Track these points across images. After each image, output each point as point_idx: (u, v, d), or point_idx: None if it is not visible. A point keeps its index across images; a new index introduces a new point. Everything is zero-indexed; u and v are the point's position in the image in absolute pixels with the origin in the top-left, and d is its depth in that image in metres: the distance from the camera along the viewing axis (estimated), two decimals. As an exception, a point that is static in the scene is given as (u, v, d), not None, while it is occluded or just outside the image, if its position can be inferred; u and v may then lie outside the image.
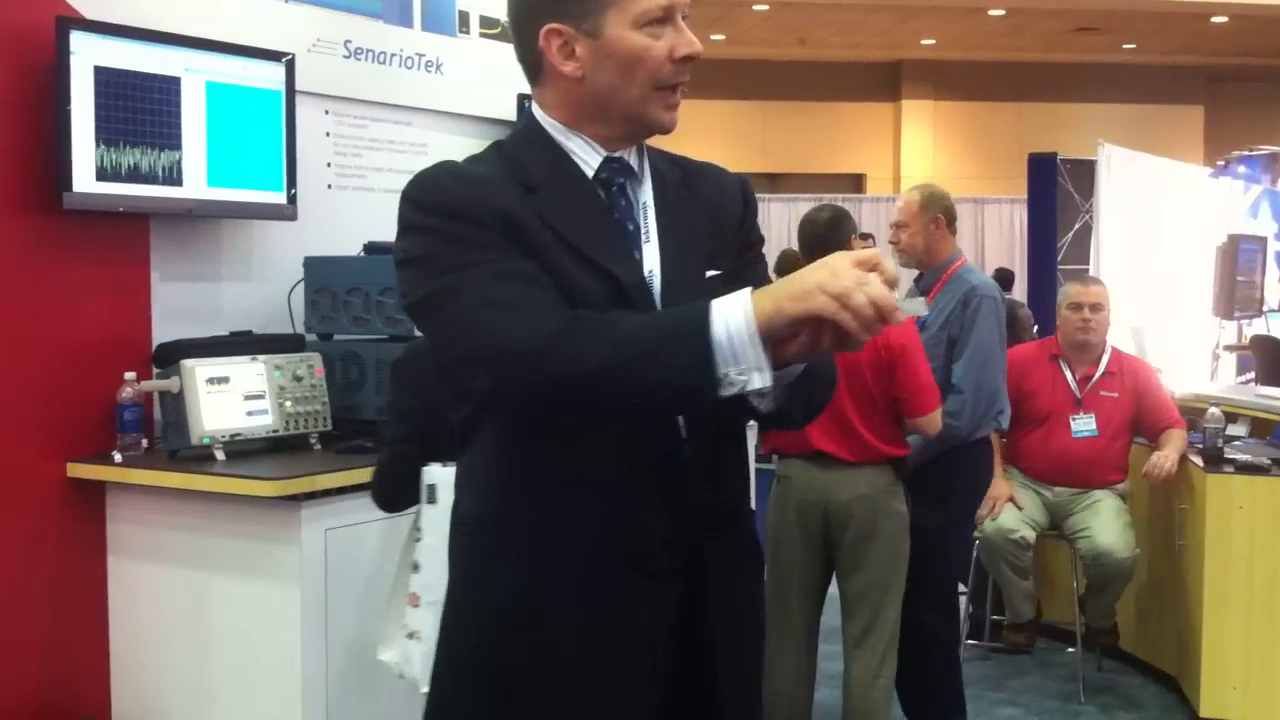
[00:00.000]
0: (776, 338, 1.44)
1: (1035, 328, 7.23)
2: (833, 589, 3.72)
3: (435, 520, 2.52)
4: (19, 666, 3.20)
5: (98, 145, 3.21)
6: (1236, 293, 8.02)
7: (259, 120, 3.58)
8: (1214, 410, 4.64)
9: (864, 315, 1.39)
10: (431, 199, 1.60)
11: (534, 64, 1.67)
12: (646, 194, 1.71)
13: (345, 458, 3.26)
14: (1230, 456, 4.51)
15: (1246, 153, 9.95)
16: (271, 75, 3.61)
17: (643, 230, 1.68)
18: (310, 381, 3.43)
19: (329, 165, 3.96)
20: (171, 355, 3.30)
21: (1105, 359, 4.81)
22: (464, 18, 4.33)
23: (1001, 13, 14.72)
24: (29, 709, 3.22)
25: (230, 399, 3.26)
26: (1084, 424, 4.71)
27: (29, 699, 3.22)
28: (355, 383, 3.55)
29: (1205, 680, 4.34)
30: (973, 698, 4.29)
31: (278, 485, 2.99)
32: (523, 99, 4.24)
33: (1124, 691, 4.75)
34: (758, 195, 1.92)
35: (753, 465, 3.73)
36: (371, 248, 3.70)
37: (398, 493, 2.70)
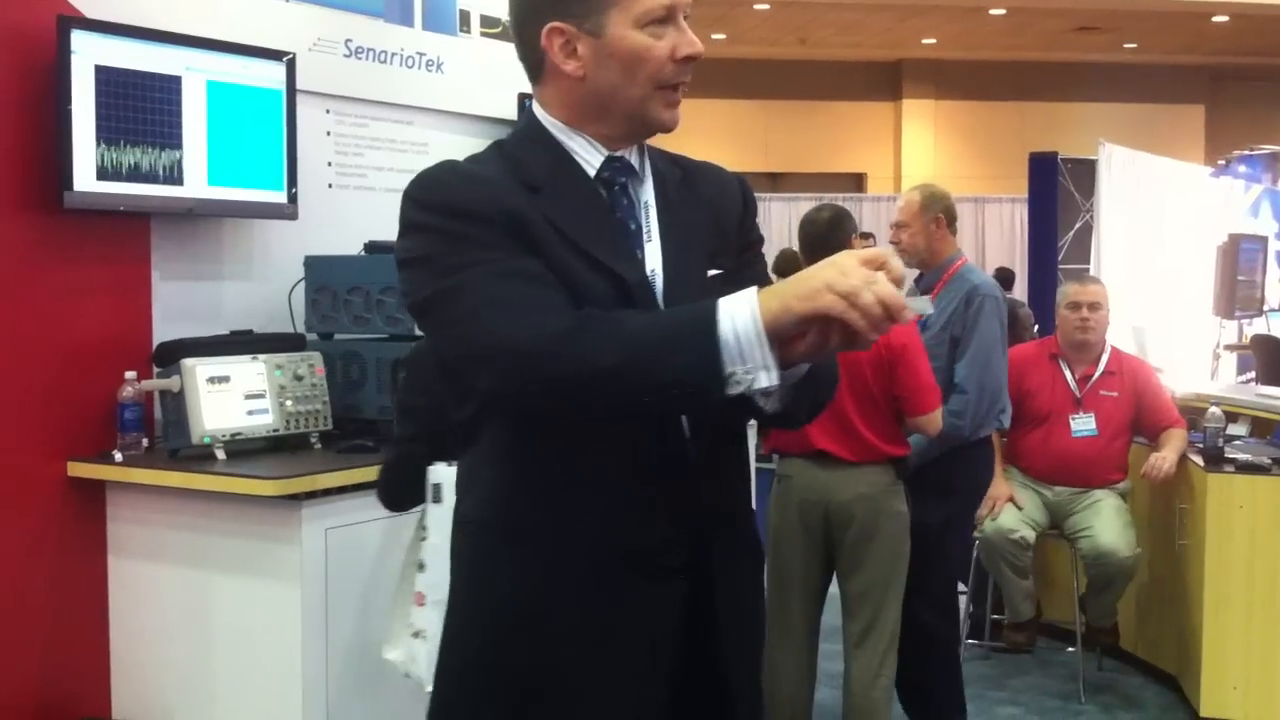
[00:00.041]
0: (783, 337, 1.44)
1: (1036, 327, 7.23)
2: (833, 589, 3.72)
3: (441, 519, 2.52)
4: (19, 665, 3.20)
5: (98, 144, 3.21)
6: (1237, 292, 8.02)
7: (260, 119, 3.58)
8: (1214, 410, 4.64)
9: (872, 314, 1.39)
10: (435, 198, 1.60)
11: (535, 63, 1.67)
12: (648, 193, 1.71)
13: (346, 457, 3.26)
14: (1231, 456, 4.51)
15: (1247, 152, 9.94)
16: (272, 74, 3.61)
17: (644, 229, 1.68)
18: (311, 381, 3.43)
19: (330, 164, 3.96)
20: (172, 354, 3.30)
21: (1105, 358, 4.81)
22: (465, 17, 4.32)
23: (1002, 12, 14.72)
24: (29, 708, 3.22)
25: (231, 398, 3.26)
26: (1084, 423, 4.71)
27: (29, 698, 3.22)
28: (356, 382, 3.55)
29: (1205, 680, 4.34)
30: (973, 697, 4.29)
31: (278, 485, 2.99)
32: (523, 98, 4.24)
33: (1124, 691, 4.75)
34: (759, 195, 1.93)
35: (753, 465, 3.73)
36: (372, 247, 3.70)
37: (403, 492, 2.70)
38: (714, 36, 15.20)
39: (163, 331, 3.44)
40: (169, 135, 3.36)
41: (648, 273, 1.65)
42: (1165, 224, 7.76)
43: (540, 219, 1.59)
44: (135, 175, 3.30)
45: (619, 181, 1.69)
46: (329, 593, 3.06)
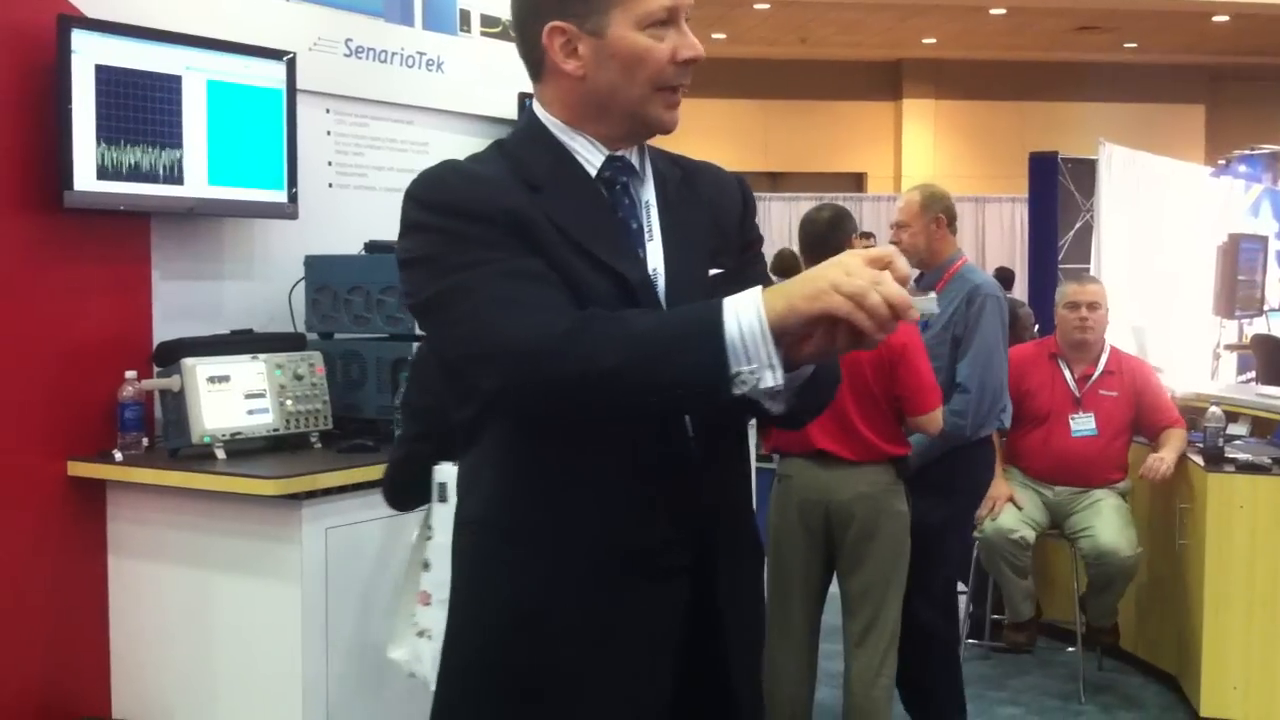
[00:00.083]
0: (791, 337, 1.44)
1: (1036, 327, 7.23)
2: (833, 588, 3.72)
3: (446, 519, 2.52)
4: (19, 665, 3.20)
5: (99, 144, 3.21)
6: (1237, 292, 8.02)
7: (260, 119, 3.58)
8: (1215, 409, 4.64)
9: (879, 315, 1.39)
10: (437, 197, 1.60)
11: (536, 61, 1.68)
12: (649, 193, 1.71)
13: (346, 457, 3.26)
14: (1231, 456, 4.51)
15: (1247, 152, 9.93)
16: (272, 74, 3.61)
17: (646, 229, 1.69)
18: (311, 380, 3.43)
19: (330, 164, 3.96)
20: (172, 354, 3.30)
21: (1104, 358, 4.81)
22: (465, 16, 4.32)
23: (1002, 12, 14.72)
24: (29, 707, 3.22)
25: (231, 398, 3.26)
26: (1083, 423, 4.71)
27: (29, 697, 3.22)
28: (356, 381, 3.55)
29: (1206, 680, 4.34)
30: (973, 697, 4.29)
31: (278, 484, 2.99)
32: (524, 97, 4.24)
33: (1124, 691, 4.75)
34: (759, 194, 1.93)
35: (753, 464, 3.72)
36: (372, 246, 3.70)
37: (409, 491, 2.70)
38: (714, 36, 15.20)
39: (163, 331, 3.44)
40: (169, 135, 3.36)
41: (650, 272, 1.65)
42: (1165, 224, 7.76)
43: (542, 218, 1.59)
44: (135, 175, 3.29)
45: (620, 181, 1.69)
46: (329, 592, 3.06)
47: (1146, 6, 14.43)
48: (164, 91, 3.34)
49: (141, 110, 3.30)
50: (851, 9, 14.72)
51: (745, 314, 1.42)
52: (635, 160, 1.71)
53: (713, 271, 1.68)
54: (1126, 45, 16.66)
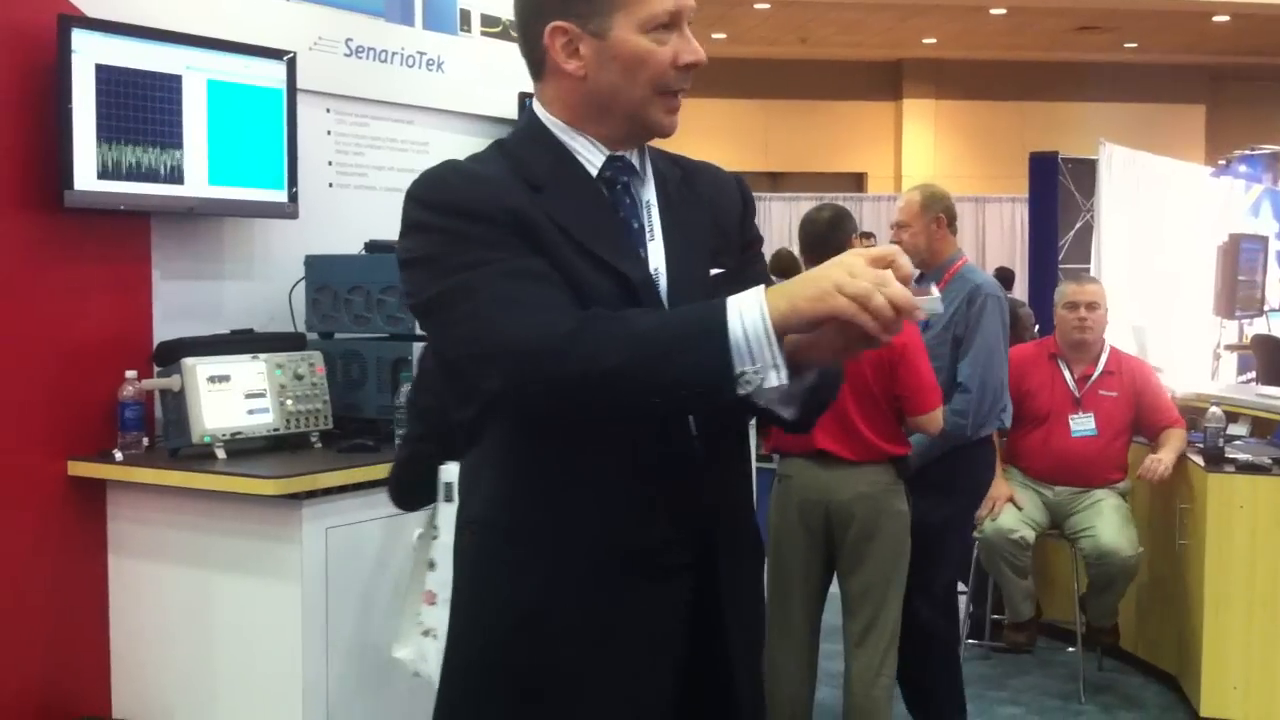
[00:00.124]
0: (796, 340, 1.44)
1: (1036, 327, 7.24)
2: (833, 588, 3.72)
3: (451, 518, 2.52)
4: (20, 665, 3.20)
5: (99, 143, 3.21)
6: (1238, 292, 8.02)
7: (260, 118, 3.58)
8: (1215, 410, 4.64)
9: (884, 316, 1.39)
10: (439, 197, 1.60)
11: (537, 60, 1.68)
12: (649, 193, 1.71)
13: (346, 456, 3.26)
14: (1231, 456, 4.51)
15: (1248, 152, 9.94)
16: (273, 73, 3.61)
17: (647, 229, 1.69)
18: (311, 380, 3.43)
19: (330, 163, 3.96)
20: (173, 353, 3.30)
21: (1104, 358, 4.81)
22: (465, 16, 4.32)
23: (1003, 11, 14.72)
24: (30, 707, 3.22)
25: (231, 397, 3.26)
26: (1083, 423, 4.72)
27: (30, 697, 3.22)
28: (356, 381, 3.55)
29: (1206, 680, 4.34)
30: (973, 697, 4.29)
31: (278, 484, 2.99)
32: (524, 97, 4.24)
33: (1124, 691, 4.75)
34: (759, 194, 1.94)
35: (754, 464, 3.73)
36: (373, 246, 3.70)
37: (414, 491, 2.70)
38: (714, 36, 15.20)
39: (163, 330, 3.44)
40: (169, 134, 3.36)
41: (651, 272, 1.65)
42: (1165, 224, 7.76)
43: (544, 218, 1.59)
44: (136, 174, 3.29)
45: (621, 181, 1.69)
46: (329, 592, 3.06)
47: (1146, 6, 14.43)
48: (164, 91, 3.34)
49: (142, 110, 3.30)
50: (851, 9, 14.72)
51: (749, 313, 1.42)
52: (635, 160, 1.71)
53: (714, 272, 1.69)
54: (1127, 45, 16.65)
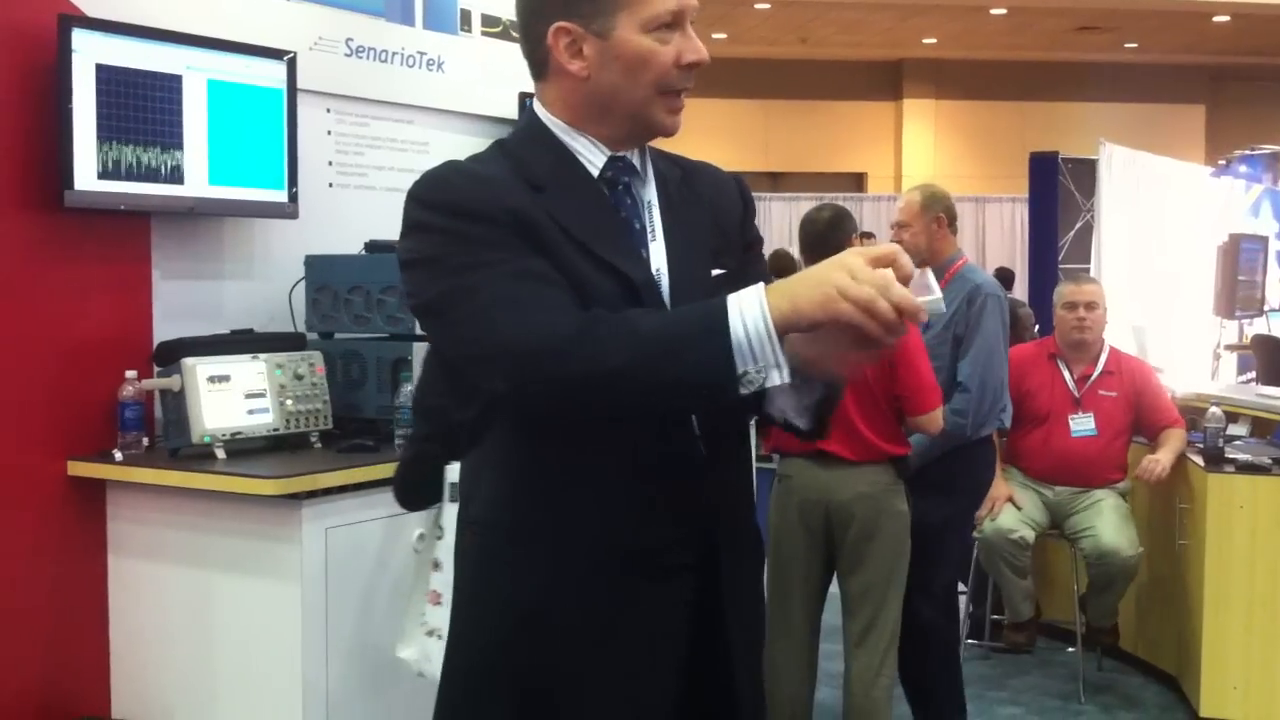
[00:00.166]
0: (798, 356, 1.44)
1: (1036, 327, 7.25)
2: (833, 588, 3.72)
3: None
4: (19, 665, 3.20)
5: (99, 143, 3.21)
6: (1238, 292, 8.02)
7: (260, 118, 3.58)
8: (1215, 410, 4.64)
9: (889, 321, 1.39)
10: (441, 197, 1.60)
11: (540, 61, 1.67)
12: (650, 193, 1.71)
13: (346, 456, 3.26)
14: (1231, 456, 4.51)
15: (1248, 152, 9.94)
16: (273, 73, 3.61)
17: (648, 229, 1.69)
18: (311, 380, 3.43)
19: (330, 163, 3.95)
20: (172, 353, 3.30)
21: (1103, 358, 4.82)
22: (465, 16, 4.32)
23: (1003, 11, 14.72)
24: (29, 707, 3.22)
25: (231, 397, 3.26)
26: (1083, 423, 4.72)
27: (29, 697, 3.22)
28: (356, 381, 3.55)
29: (1205, 680, 4.34)
30: (973, 697, 4.29)
31: (278, 484, 2.99)
32: (524, 97, 4.24)
33: (1124, 691, 4.75)
34: (759, 194, 1.94)
35: (753, 464, 3.73)
36: (373, 246, 3.70)
37: (419, 491, 2.70)
38: (714, 36, 15.19)
39: (163, 330, 3.44)
40: (170, 134, 3.36)
41: (653, 272, 1.65)
42: (1165, 224, 7.76)
43: (545, 218, 1.59)
44: (136, 174, 3.29)
45: (622, 181, 1.69)
46: (329, 592, 3.06)
47: (1146, 6, 14.43)
48: (164, 91, 3.34)
49: (142, 110, 3.30)
50: (852, 9, 14.72)
51: (749, 311, 1.42)
52: (636, 160, 1.71)
53: (715, 273, 1.68)
54: (1127, 45, 16.65)
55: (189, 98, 3.39)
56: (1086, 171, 7.29)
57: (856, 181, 17.39)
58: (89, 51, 3.18)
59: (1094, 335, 4.79)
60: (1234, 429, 4.91)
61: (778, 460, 3.78)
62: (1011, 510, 4.64)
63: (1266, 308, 8.71)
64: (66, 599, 3.28)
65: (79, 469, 3.27)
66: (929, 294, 1.41)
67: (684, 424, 1.64)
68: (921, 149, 17.60)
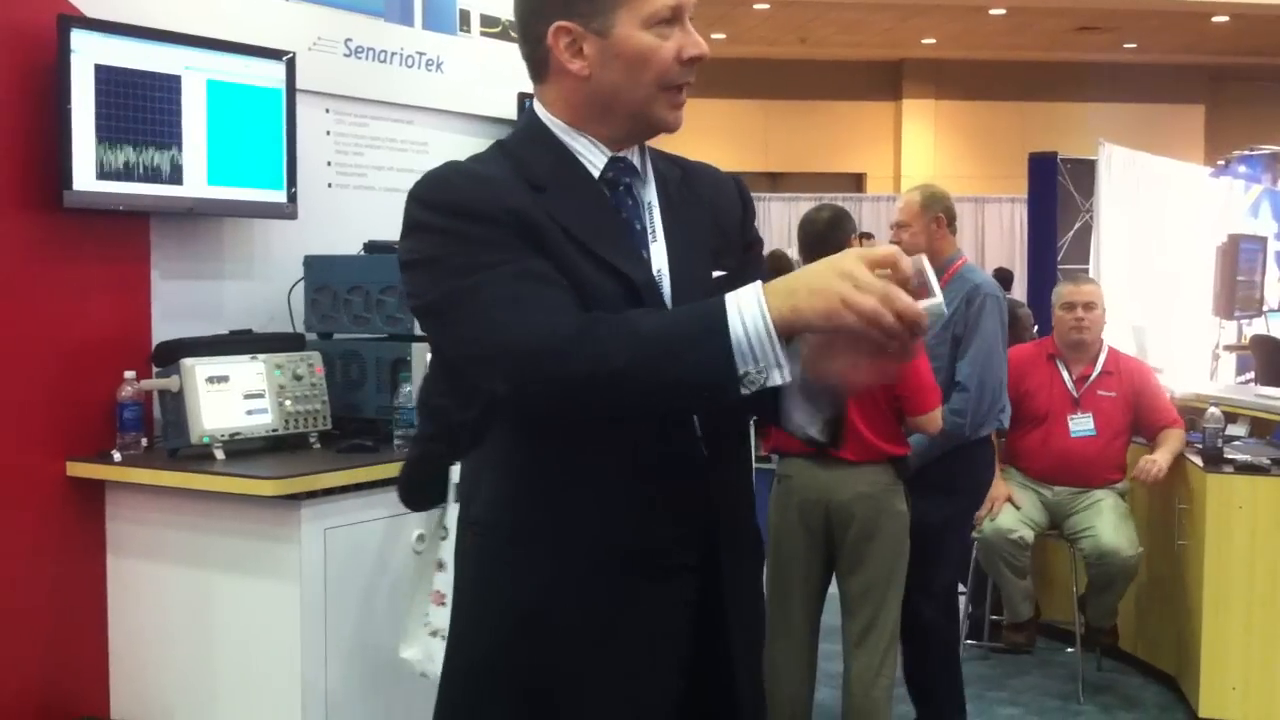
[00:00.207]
0: (806, 377, 1.46)
1: (1035, 327, 7.25)
2: (832, 588, 3.72)
3: None
4: (18, 665, 3.20)
5: (98, 144, 3.21)
6: (1237, 292, 8.03)
7: (259, 119, 3.58)
8: (1214, 410, 4.64)
9: (895, 333, 1.39)
10: (442, 198, 1.59)
11: (540, 61, 1.67)
12: (650, 194, 1.71)
13: (345, 457, 3.26)
14: (1230, 456, 4.51)
15: (1247, 152, 9.95)
16: (272, 73, 3.61)
17: (649, 230, 1.68)
18: (310, 380, 3.43)
19: (329, 164, 3.95)
20: (171, 354, 3.30)
21: (1102, 358, 4.82)
22: (465, 16, 4.32)
23: (1003, 12, 14.72)
24: (29, 707, 3.22)
25: (230, 398, 3.26)
26: (1082, 424, 4.72)
27: (28, 697, 3.22)
28: (355, 381, 3.55)
29: (1205, 680, 4.34)
30: (973, 697, 4.29)
31: (277, 484, 2.99)
32: (523, 98, 4.24)
33: (1123, 691, 4.75)
34: (758, 195, 1.94)
35: (753, 464, 3.73)
36: (372, 246, 3.70)
37: (424, 491, 2.69)
38: (714, 36, 15.18)
39: (162, 331, 3.44)
40: (169, 134, 3.36)
41: (655, 273, 1.65)
42: (1165, 224, 7.77)
43: (546, 219, 1.58)
44: (135, 174, 3.29)
45: (623, 182, 1.69)
46: (328, 593, 3.06)
47: (1146, 6, 14.43)
48: (163, 91, 3.34)
49: (141, 110, 3.30)
50: (851, 9, 14.71)
51: (748, 311, 1.42)
52: (636, 160, 1.71)
53: (715, 274, 1.68)
54: (1126, 45, 16.65)
55: (188, 98, 3.39)
56: (1086, 172, 7.29)
57: (856, 182, 17.39)
58: (88, 52, 3.18)
59: (1093, 335, 4.80)
60: (1233, 429, 4.91)
61: (777, 460, 3.78)
62: (1011, 510, 4.64)
63: (1265, 308, 8.72)
64: (66, 599, 3.28)
65: (78, 469, 3.27)
66: (931, 297, 1.41)
67: (685, 424, 1.63)
68: (921, 149, 17.60)
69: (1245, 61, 17.19)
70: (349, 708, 3.11)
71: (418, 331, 3.38)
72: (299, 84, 3.67)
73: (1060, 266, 7.22)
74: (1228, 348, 8.41)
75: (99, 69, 3.20)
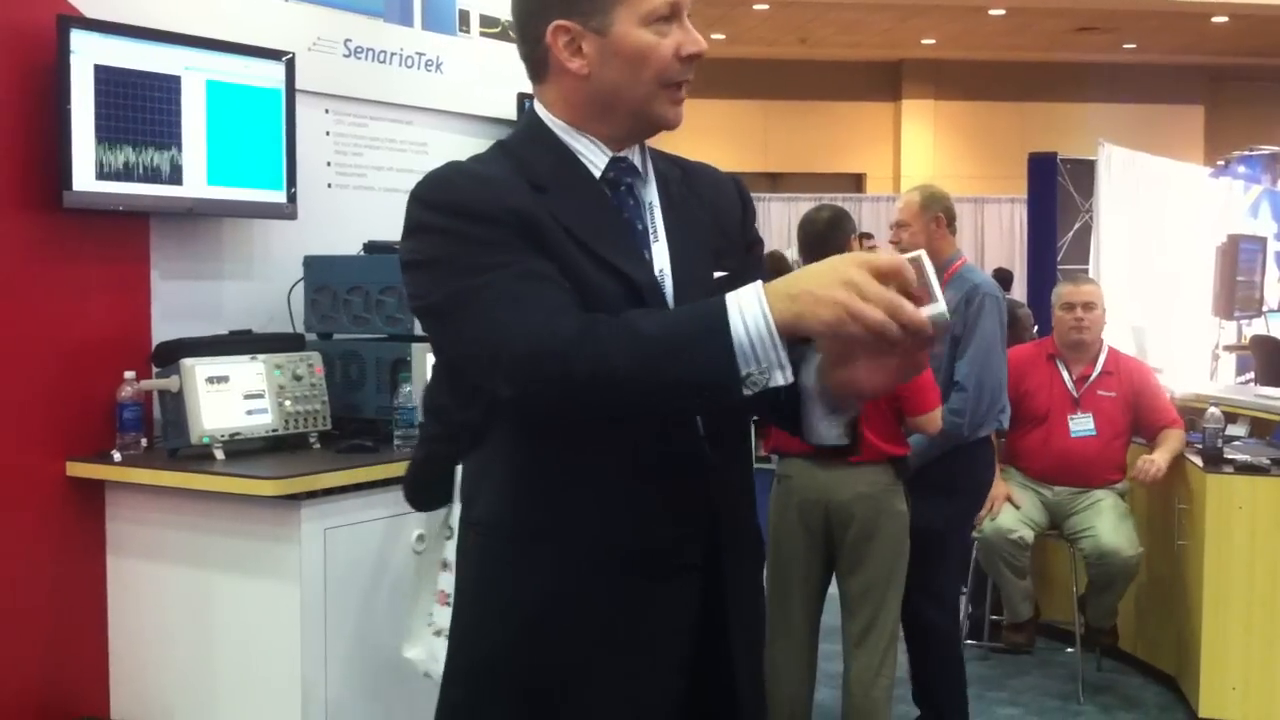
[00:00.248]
0: (834, 376, 1.48)
1: (1035, 328, 7.25)
2: (832, 588, 3.72)
3: None
4: (18, 665, 3.20)
5: (98, 144, 3.21)
6: (1236, 293, 8.03)
7: (259, 119, 3.58)
8: (1213, 410, 4.64)
9: (898, 342, 1.39)
10: (444, 198, 1.59)
11: (539, 61, 1.67)
12: (651, 194, 1.71)
13: (345, 457, 3.26)
14: (1230, 457, 4.51)
15: (1247, 153, 9.95)
16: (272, 74, 3.61)
17: (650, 230, 1.68)
18: (310, 380, 3.43)
19: (329, 164, 3.95)
20: (171, 354, 3.30)
21: (1102, 358, 4.82)
22: (464, 16, 4.32)
23: (1002, 12, 14.72)
24: (29, 708, 3.22)
25: (230, 398, 3.26)
26: (1082, 424, 4.72)
27: (28, 697, 3.22)
28: (355, 382, 3.55)
29: (1204, 680, 4.34)
30: (973, 697, 4.28)
31: (277, 484, 2.99)
32: (523, 98, 4.24)
33: (1123, 691, 4.75)
34: (758, 195, 1.94)
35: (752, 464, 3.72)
36: (371, 247, 3.70)
37: (430, 491, 2.69)
38: (714, 36, 15.18)
39: (162, 331, 3.44)
40: (168, 135, 3.36)
41: (657, 273, 1.65)
42: (1165, 224, 7.77)
43: (548, 219, 1.58)
44: (134, 175, 3.29)
45: (624, 182, 1.69)
46: (328, 593, 3.06)
47: (1146, 7, 14.43)
48: (163, 91, 3.34)
49: (141, 110, 3.30)
50: (851, 9, 14.71)
51: (749, 311, 1.42)
52: (637, 160, 1.71)
53: (717, 274, 1.68)
54: (1126, 46, 16.65)
55: (187, 98, 3.39)
56: (1085, 172, 7.30)
57: (855, 182, 17.39)
58: (88, 52, 3.18)
59: (1092, 336, 4.80)
60: (1233, 429, 4.91)
61: (777, 460, 3.78)
62: (1011, 510, 4.64)
63: (1265, 308, 8.72)
64: (65, 600, 3.28)
65: (78, 469, 3.27)
66: (935, 304, 1.40)
67: (688, 424, 1.63)
68: (920, 149, 17.60)
69: (1245, 62, 17.19)
70: (349, 708, 3.11)
71: (418, 331, 3.38)
72: (298, 84, 3.67)
73: (1060, 267, 7.22)
74: (1227, 348, 8.41)
75: (99, 69, 3.20)
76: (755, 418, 1.85)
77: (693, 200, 1.74)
